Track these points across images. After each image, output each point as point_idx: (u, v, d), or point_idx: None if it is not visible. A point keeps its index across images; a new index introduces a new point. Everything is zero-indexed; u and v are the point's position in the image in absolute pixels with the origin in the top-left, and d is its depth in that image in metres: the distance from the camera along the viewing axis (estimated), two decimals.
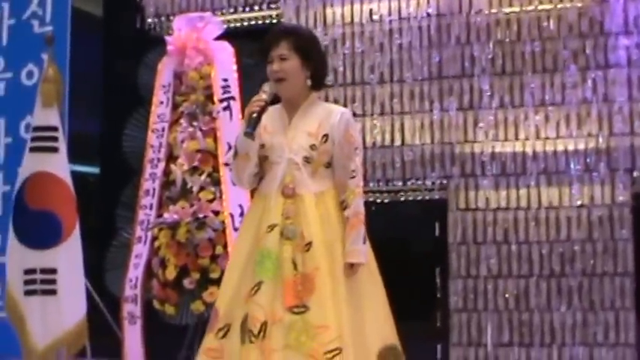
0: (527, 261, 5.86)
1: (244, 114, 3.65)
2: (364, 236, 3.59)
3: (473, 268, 5.94)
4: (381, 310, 3.68)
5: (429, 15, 6.13)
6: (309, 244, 3.50)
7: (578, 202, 5.81)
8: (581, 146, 5.84)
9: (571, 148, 5.85)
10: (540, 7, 5.95)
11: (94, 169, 7.27)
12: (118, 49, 6.89)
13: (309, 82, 3.67)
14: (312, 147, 3.58)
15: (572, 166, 5.83)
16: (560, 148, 5.87)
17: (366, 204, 6.00)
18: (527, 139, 5.93)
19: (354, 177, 3.62)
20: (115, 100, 6.87)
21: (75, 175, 6.67)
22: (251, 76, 6.22)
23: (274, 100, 3.68)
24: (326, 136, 3.59)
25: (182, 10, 6.70)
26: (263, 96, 3.59)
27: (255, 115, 3.52)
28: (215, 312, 3.61)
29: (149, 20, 6.85)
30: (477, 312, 5.91)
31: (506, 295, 5.86)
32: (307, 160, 3.58)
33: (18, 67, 6.68)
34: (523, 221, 5.89)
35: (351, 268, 3.55)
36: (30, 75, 6.57)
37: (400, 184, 6.15)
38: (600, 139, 5.81)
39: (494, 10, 6.02)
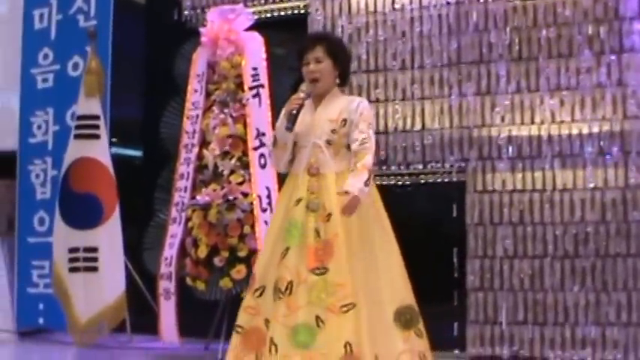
0: (542, 242, 6.00)
1: (284, 111, 4.19)
2: (366, 180, 4.02)
3: (489, 248, 6.12)
4: (396, 272, 4.17)
5: (448, 3, 6.31)
6: (330, 215, 4.03)
7: (592, 185, 5.92)
8: (595, 129, 5.94)
9: (585, 131, 5.96)
10: None
11: (139, 153, 7.72)
12: (159, 40, 7.26)
13: (337, 81, 4.26)
14: (333, 131, 4.13)
15: (586, 149, 5.93)
16: (575, 131, 5.99)
17: (388, 187, 6.37)
18: (542, 122, 6.07)
19: (364, 143, 4.09)
20: (157, 87, 7.24)
21: (121, 158, 7.15)
22: (280, 65, 6.56)
23: (309, 94, 4.24)
24: (345, 120, 4.13)
25: (216, 2, 7.00)
26: (301, 95, 4.19)
27: (294, 112, 4.10)
28: (253, 275, 4.23)
29: (186, 12, 7.16)
30: (493, 291, 6.10)
31: (522, 275, 6.02)
32: (329, 142, 4.13)
33: (65, 59, 7.15)
34: (538, 203, 6.03)
35: (345, 194, 3.99)
36: (75, 67, 7.03)
37: (420, 167, 6.36)
38: (614, 123, 5.90)
39: None
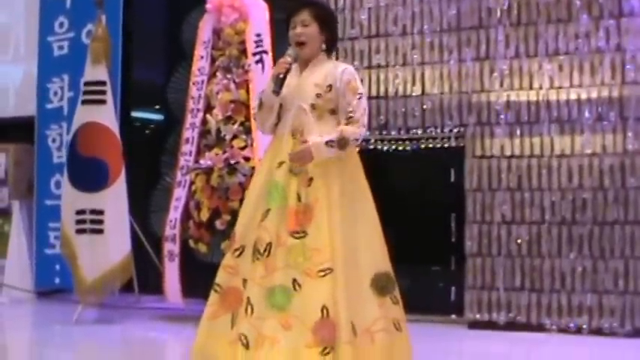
0: (539, 208, 6.00)
1: (271, 74, 4.13)
2: (331, 141, 3.93)
3: (487, 214, 6.14)
4: (374, 239, 4.10)
5: None
6: (311, 179, 3.97)
7: (590, 151, 5.89)
8: (594, 95, 5.90)
9: (584, 96, 5.93)
10: None
11: (159, 116, 7.89)
12: (175, 5, 7.41)
13: (323, 47, 4.16)
14: (318, 95, 4.05)
15: (584, 114, 5.89)
16: (573, 96, 5.96)
17: (388, 151, 6.41)
18: (540, 88, 6.05)
19: (350, 117, 4.02)
20: (173, 54, 7.40)
21: (138, 121, 7.32)
22: (283, 31, 6.58)
23: (296, 58, 4.16)
24: (330, 86, 4.06)
25: None
26: (288, 59, 4.09)
27: (281, 75, 4.03)
28: (233, 235, 4.16)
29: None
30: (491, 257, 6.12)
31: (519, 241, 6.03)
32: (314, 106, 4.05)
33: (79, 27, 7.33)
34: (536, 169, 6.02)
35: (303, 143, 3.96)
36: (89, 34, 7.11)
37: (420, 132, 6.39)
38: (612, 88, 5.84)
39: None
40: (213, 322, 4.00)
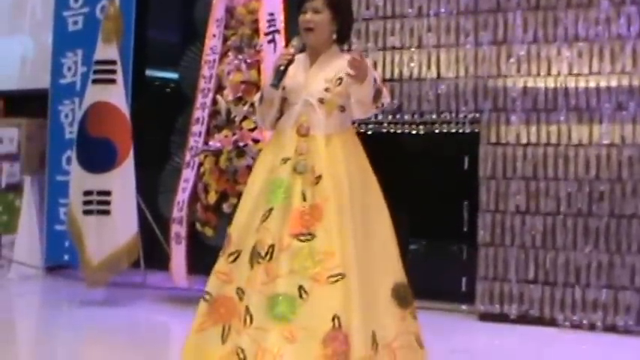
0: (555, 198, 5.80)
1: (274, 66, 3.87)
2: (374, 90, 3.69)
3: (501, 202, 5.95)
4: (390, 246, 3.82)
5: None
6: (319, 177, 3.69)
7: (608, 141, 5.68)
8: (614, 83, 5.68)
9: (603, 84, 5.71)
10: None
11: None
12: None
13: (334, 36, 3.89)
14: (327, 89, 3.79)
15: (603, 103, 5.68)
16: (592, 84, 5.74)
17: (401, 135, 6.25)
18: (558, 74, 5.83)
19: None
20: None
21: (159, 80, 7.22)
22: (297, 11, 6.43)
23: (302, 49, 3.91)
24: (340, 79, 3.79)
25: None
26: (291, 50, 3.85)
27: (282, 67, 3.77)
28: (228, 237, 3.84)
29: None
30: (504, 247, 5.94)
31: (533, 232, 5.84)
32: (321, 101, 3.79)
33: (94, 2, 7.23)
34: (552, 158, 5.82)
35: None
36: (103, 9, 6.99)
37: (434, 116, 6.21)
38: (633, 77, 5.62)
39: None
40: (200, 336, 3.72)
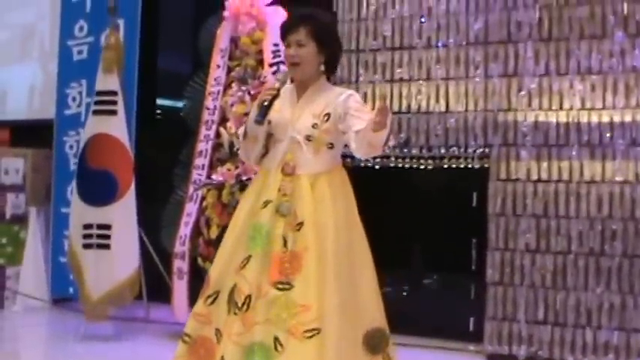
0: (566, 237, 5.59)
1: (257, 101, 3.75)
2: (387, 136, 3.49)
3: (511, 241, 5.75)
4: (371, 291, 3.69)
5: None
6: (301, 223, 3.56)
7: (622, 178, 5.47)
8: (628, 118, 5.48)
9: (617, 119, 5.51)
10: None
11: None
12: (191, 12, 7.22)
13: (322, 68, 3.75)
14: (314, 125, 3.65)
15: (616, 139, 5.48)
16: (605, 119, 5.54)
17: (408, 170, 6.08)
18: (571, 108, 5.63)
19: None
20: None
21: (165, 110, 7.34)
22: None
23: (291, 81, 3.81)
24: (328, 114, 3.65)
25: None
26: (276, 84, 3.74)
27: (266, 103, 3.64)
28: (207, 279, 3.76)
29: None
30: (513, 286, 5.73)
31: (543, 272, 5.64)
32: (309, 138, 3.65)
33: (98, 32, 7.12)
34: (563, 195, 5.61)
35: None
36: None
37: (442, 151, 6.03)
38: None
39: None
40: None
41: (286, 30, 3.76)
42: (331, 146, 3.67)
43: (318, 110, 3.66)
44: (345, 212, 3.67)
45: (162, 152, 7.15)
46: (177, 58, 7.87)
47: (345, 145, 3.76)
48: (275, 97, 3.66)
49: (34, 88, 8.14)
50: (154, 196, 6.72)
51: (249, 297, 3.50)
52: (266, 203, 3.61)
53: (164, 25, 7.68)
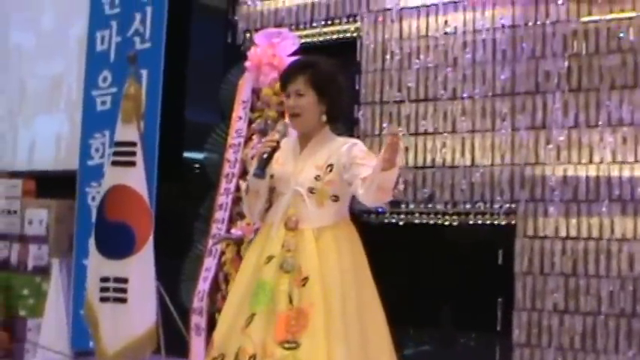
0: (596, 297, 5.33)
1: (257, 153, 3.68)
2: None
3: (538, 300, 5.50)
4: (383, 347, 3.55)
5: (503, 27, 5.71)
6: (306, 278, 3.46)
7: None
8: None
9: None
10: (621, 16, 5.35)
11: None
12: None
13: (324, 118, 3.65)
14: (317, 177, 3.55)
15: None
16: (638, 173, 5.29)
17: (432, 226, 5.86)
18: (601, 162, 5.40)
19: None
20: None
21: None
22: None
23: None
24: (331, 165, 3.55)
25: (277, 24, 6.71)
26: (276, 136, 3.63)
27: (265, 155, 3.55)
28: (212, 341, 3.67)
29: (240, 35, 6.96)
30: (540, 348, 5.47)
31: (572, 333, 5.36)
32: (312, 190, 3.56)
33: (121, 82, 6.95)
34: (593, 253, 5.36)
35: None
36: None
37: (467, 206, 5.80)
38: None
39: (572, 18, 5.50)
40: None
41: (285, 80, 3.69)
42: (336, 199, 3.56)
43: (321, 162, 3.56)
44: (353, 269, 3.54)
45: (186, 205, 7.03)
46: (205, 110, 7.78)
47: (353, 197, 3.61)
48: (275, 149, 3.56)
49: (60, 139, 8.11)
50: (174, 249, 6.57)
51: (253, 357, 3.39)
52: (269, 259, 3.51)
53: (192, 76, 7.59)
